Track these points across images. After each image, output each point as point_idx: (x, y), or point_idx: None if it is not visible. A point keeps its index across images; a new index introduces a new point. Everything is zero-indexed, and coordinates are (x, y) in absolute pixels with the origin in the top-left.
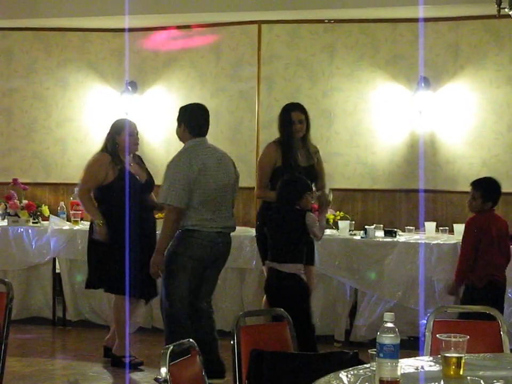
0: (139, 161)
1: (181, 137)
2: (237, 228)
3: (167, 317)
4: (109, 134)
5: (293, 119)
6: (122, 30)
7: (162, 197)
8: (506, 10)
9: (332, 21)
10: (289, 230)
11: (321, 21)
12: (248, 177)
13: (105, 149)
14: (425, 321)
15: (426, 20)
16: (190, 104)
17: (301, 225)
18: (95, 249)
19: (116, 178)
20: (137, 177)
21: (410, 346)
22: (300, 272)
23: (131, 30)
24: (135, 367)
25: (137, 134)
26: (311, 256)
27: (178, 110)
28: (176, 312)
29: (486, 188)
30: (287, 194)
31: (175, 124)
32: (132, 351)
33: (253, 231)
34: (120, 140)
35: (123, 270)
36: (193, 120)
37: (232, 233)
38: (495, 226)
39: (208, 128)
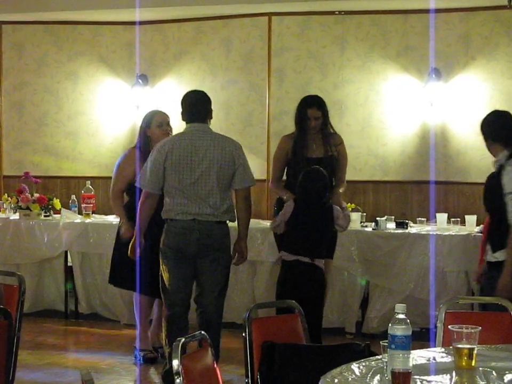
0: None
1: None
2: None
3: (165, 309)
4: (140, 127)
5: (309, 115)
6: (133, 23)
7: (137, 179)
8: None
9: (343, 13)
10: (318, 224)
11: (332, 13)
12: (259, 170)
13: (137, 143)
14: (436, 313)
15: (437, 11)
16: (189, 91)
17: (329, 219)
18: (119, 249)
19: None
20: None
21: (422, 338)
22: (321, 264)
23: (141, 23)
24: (150, 361)
25: (167, 124)
26: (331, 250)
27: None
28: (169, 305)
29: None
30: (313, 188)
31: None
32: (149, 346)
33: (264, 224)
34: (151, 132)
35: (144, 269)
36: (188, 107)
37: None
38: None
39: (203, 114)
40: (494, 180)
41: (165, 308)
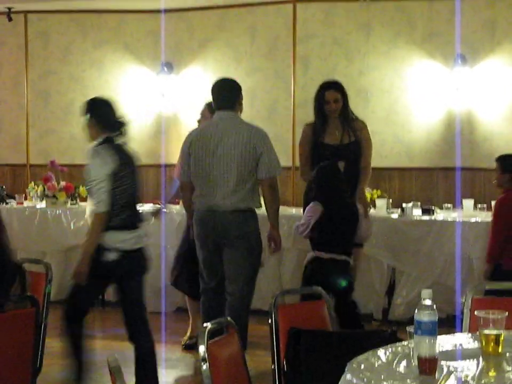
0: None
1: (208, 115)
2: None
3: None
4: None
5: (327, 98)
6: (158, 11)
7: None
8: None
9: None
10: (348, 221)
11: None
12: (284, 157)
13: None
14: (463, 299)
15: None
16: (218, 79)
17: (356, 215)
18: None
19: None
20: None
21: (448, 324)
22: (351, 260)
23: (166, 11)
24: (188, 347)
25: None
26: None
27: None
28: (202, 290)
29: (506, 161)
30: (335, 185)
31: None
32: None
33: (290, 210)
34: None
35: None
36: (212, 95)
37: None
38: None
39: (230, 102)
40: None
41: (200, 293)
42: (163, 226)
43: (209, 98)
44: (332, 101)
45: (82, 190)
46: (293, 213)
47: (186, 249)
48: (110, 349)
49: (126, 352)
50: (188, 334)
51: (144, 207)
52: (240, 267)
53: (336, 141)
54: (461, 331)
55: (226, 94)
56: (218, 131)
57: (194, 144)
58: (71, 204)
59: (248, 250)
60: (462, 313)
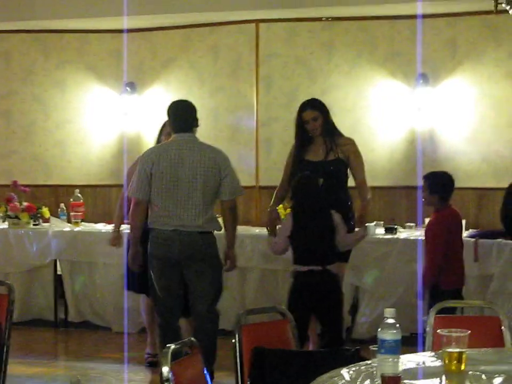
0: None
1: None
2: (238, 227)
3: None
4: (158, 134)
5: (305, 118)
6: (120, 31)
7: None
8: (503, 5)
9: (330, 19)
10: (323, 231)
11: (319, 19)
12: (247, 176)
13: None
14: (425, 318)
15: (424, 16)
16: (175, 100)
17: (331, 224)
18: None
19: None
20: None
21: (412, 343)
22: (334, 270)
23: (129, 31)
24: (150, 365)
25: None
26: (347, 252)
27: None
28: (158, 312)
29: (434, 180)
30: (311, 195)
31: None
32: (154, 350)
33: (253, 230)
34: (163, 140)
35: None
36: (173, 116)
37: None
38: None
39: (188, 124)
40: None
41: (156, 316)
42: (125, 246)
43: None
44: (310, 120)
45: (44, 210)
46: (257, 232)
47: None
48: (73, 370)
49: (89, 372)
50: (149, 350)
51: (107, 228)
52: (205, 289)
53: (319, 157)
54: (424, 349)
55: (184, 116)
56: (182, 152)
57: (157, 166)
58: (33, 225)
59: (212, 271)
60: (425, 331)
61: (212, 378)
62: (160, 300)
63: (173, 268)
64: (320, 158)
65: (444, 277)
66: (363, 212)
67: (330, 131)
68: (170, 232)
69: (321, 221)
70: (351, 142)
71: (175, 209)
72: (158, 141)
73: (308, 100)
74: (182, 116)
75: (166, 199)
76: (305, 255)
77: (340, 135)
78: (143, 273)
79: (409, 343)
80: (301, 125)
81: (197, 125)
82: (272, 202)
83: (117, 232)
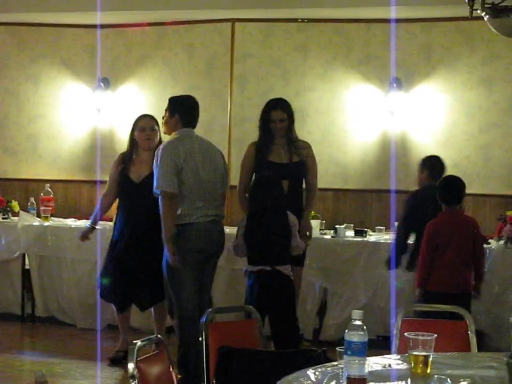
0: None
1: (172, 127)
2: None
3: (179, 318)
4: (131, 130)
5: (273, 117)
6: (95, 26)
7: (155, 185)
8: (478, 12)
9: (306, 20)
10: (275, 231)
11: (294, 20)
12: None
13: (128, 147)
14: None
15: (399, 20)
16: (184, 95)
17: (286, 224)
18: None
19: (115, 179)
20: (132, 177)
21: (380, 346)
22: (286, 271)
23: (103, 26)
24: (113, 361)
25: (151, 129)
26: (302, 257)
27: (169, 100)
28: (186, 312)
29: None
30: (269, 195)
31: None
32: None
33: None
34: (136, 136)
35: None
36: (188, 111)
37: None
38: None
39: (196, 121)
40: None
41: (180, 315)
42: (99, 243)
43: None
44: (277, 120)
45: (14, 204)
46: (227, 232)
47: (112, 259)
48: (39, 365)
49: (55, 368)
50: (117, 348)
51: (77, 223)
52: (213, 275)
53: (281, 159)
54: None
55: (197, 113)
56: (202, 147)
57: (188, 158)
58: (2, 218)
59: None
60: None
61: None
62: (191, 295)
63: (205, 261)
64: (285, 160)
65: (431, 278)
66: (309, 227)
67: (292, 134)
68: (209, 223)
69: (277, 221)
70: (309, 146)
71: (208, 201)
72: (131, 137)
73: (277, 100)
74: (196, 112)
75: (200, 192)
76: (257, 254)
77: (297, 138)
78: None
79: (378, 346)
80: (266, 123)
81: None
82: (242, 208)
83: (93, 229)
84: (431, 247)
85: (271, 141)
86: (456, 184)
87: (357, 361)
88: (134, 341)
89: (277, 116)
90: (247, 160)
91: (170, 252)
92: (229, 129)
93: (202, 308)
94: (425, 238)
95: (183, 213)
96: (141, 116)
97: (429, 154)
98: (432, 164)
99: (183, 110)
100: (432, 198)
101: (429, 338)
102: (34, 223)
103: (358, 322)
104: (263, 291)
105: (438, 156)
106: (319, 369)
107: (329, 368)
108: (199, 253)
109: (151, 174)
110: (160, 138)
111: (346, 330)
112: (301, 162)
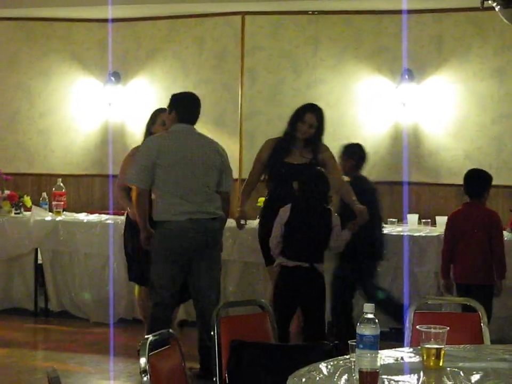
0: None
1: (170, 123)
2: None
3: (151, 307)
4: (146, 124)
5: (305, 119)
6: (106, 20)
7: (128, 177)
8: (490, 2)
9: (316, 12)
10: (318, 228)
11: (305, 12)
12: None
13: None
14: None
15: (410, 12)
16: (185, 92)
17: (328, 223)
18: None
19: None
20: None
21: (393, 338)
22: (320, 268)
23: (115, 20)
24: None
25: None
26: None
27: (169, 97)
28: (159, 302)
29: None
30: (318, 192)
31: None
32: None
33: (233, 222)
34: (155, 129)
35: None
36: (182, 107)
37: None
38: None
39: (197, 117)
40: None
41: (152, 307)
42: (110, 237)
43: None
44: (307, 123)
45: (26, 199)
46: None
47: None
48: (52, 360)
49: (67, 362)
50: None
51: (89, 218)
52: (215, 275)
53: (297, 160)
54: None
55: (195, 109)
56: (190, 144)
57: (164, 155)
58: (15, 213)
59: (219, 260)
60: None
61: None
62: (156, 290)
63: (182, 259)
64: (297, 161)
65: (455, 270)
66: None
67: (314, 139)
68: (184, 222)
69: (321, 219)
70: (327, 149)
71: (187, 198)
72: (149, 130)
73: (315, 105)
74: (193, 109)
75: (176, 188)
76: (294, 249)
77: (319, 142)
78: (145, 264)
79: (391, 338)
80: (297, 121)
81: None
82: (240, 202)
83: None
84: (449, 238)
85: (291, 141)
86: (478, 177)
87: (369, 354)
88: (146, 336)
89: (310, 119)
90: (262, 156)
91: (142, 237)
92: (240, 123)
93: (203, 308)
94: (445, 229)
95: (160, 208)
96: (160, 109)
97: (439, 146)
98: (357, 152)
99: (180, 106)
100: (363, 190)
101: (441, 331)
102: (46, 218)
103: (370, 316)
104: (299, 287)
105: (360, 144)
106: (331, 363)
107: (341, 362)
108: (172, 253)
109: None
110: None
111: (358, 324)
112: (316, 165)
